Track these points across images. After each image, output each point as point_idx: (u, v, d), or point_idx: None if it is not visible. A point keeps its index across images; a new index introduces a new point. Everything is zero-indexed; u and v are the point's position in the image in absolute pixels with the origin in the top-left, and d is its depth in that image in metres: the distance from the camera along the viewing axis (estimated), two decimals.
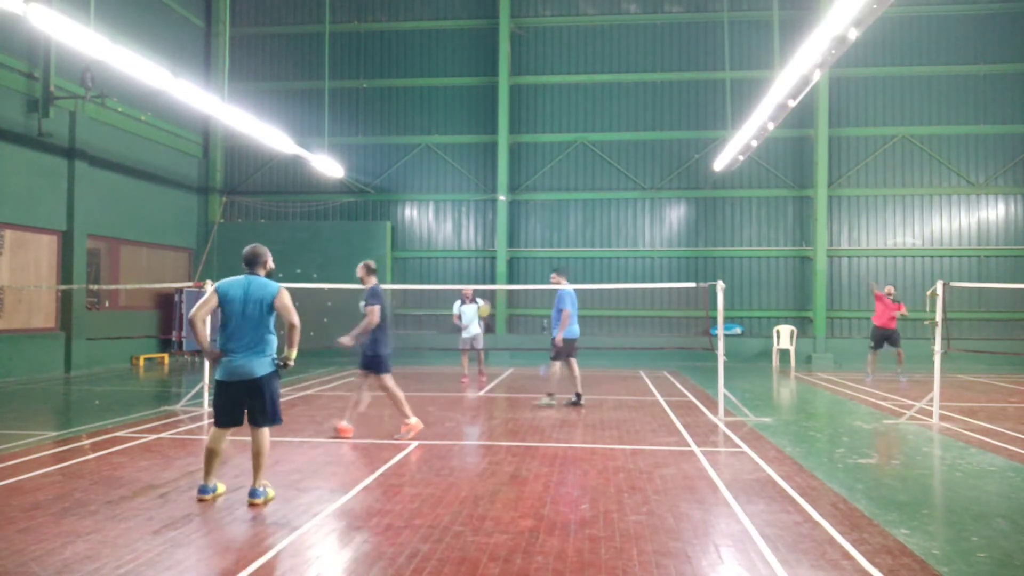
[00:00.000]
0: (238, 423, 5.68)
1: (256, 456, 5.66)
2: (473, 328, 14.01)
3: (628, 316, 20.00)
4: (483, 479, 6.37)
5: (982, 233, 19.26)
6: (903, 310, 15.11)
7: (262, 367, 5.61)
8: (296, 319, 5.65)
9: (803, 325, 19.44)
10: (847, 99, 19.62)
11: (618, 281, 19.74)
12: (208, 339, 5.67)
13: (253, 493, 5.58)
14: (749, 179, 19.85)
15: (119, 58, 10.03)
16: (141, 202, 18.22)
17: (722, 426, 9.15)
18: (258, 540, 4.76)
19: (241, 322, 5.58)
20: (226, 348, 5.60)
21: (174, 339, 18.51)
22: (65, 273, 15.63)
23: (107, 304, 17.59)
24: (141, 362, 17.58)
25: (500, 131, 20.11)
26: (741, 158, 16.43)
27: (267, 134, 15.17)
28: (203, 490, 5.65)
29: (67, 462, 6.98)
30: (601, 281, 19.89)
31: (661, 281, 19.78)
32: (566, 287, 10.82)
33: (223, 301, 5.61)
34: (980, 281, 18.73)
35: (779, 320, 19.41)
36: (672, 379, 15.04)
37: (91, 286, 16.12)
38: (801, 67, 10.32)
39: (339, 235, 20.39)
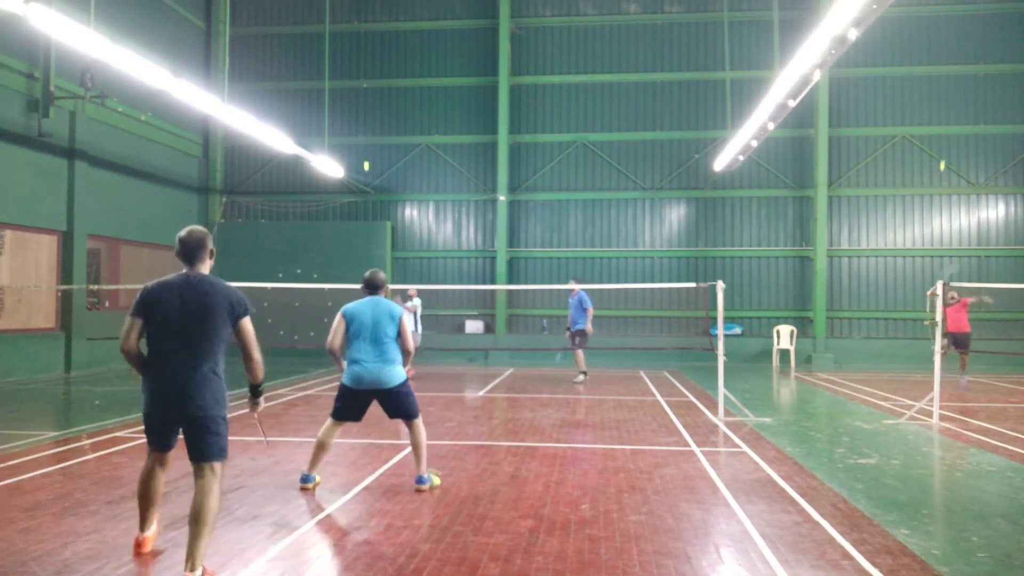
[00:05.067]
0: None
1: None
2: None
3: (628, 316, 20.00)
4: (483, 479, 6.37)
5: (982, 233, 19.25)
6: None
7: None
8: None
9: (803, 325, 19.43)
10: (847, 99, 19.61)
11: (618, 281, 19.73)
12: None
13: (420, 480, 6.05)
14: (749, 179, 19.85)
15: (119, 58, 10.03)
16: (141, 202, 18.21)
17: (722, 426, 9.15)
18: (258, 540, 4.76)
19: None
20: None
21: None
22: (65, 273, 15.62)
23: (107, 304, 17.59)
24: None
25: (500, 131, 20.11)
26: (741, 158, 16.42)
27: (267, 134, 15.17)
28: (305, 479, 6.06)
29: (67, 462, 6.98)
30: (601, 281, 19.88)
31: (661, 281, 19.77)
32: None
33: None
34: (980, 281, 18.72)
35: (779, 320, 19.40)
36: (672, 379, 15.04)
37: (91, 286, 16.12)
38: (801, 67, 10.32)
39: (339, 235, 20.39)
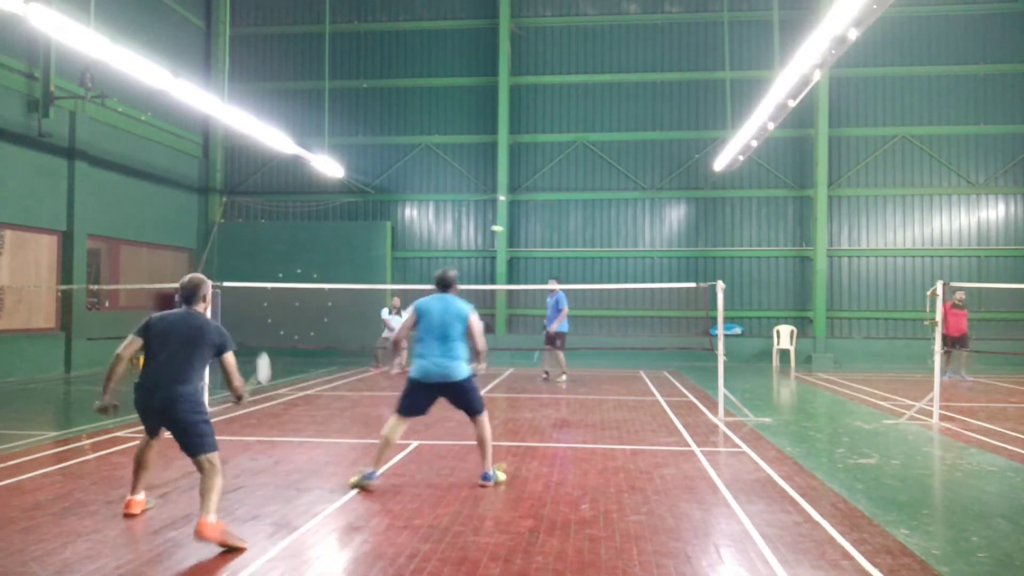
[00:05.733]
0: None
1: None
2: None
3: (628, 316, 20.00)
4: None
5: (982, 233, 19.25)
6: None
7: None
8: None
9: (803, 325, 19.43)
10: (847, 99, 19.61)
11: (618, 281, 19.73)
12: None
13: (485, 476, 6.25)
14: (749, 179, 19.85)
15: (119, 58, 10.03)
16: (141, 202, 18.21)
17: (722, 426, 9.15)
18: (258, 540, 4.76)
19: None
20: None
21: None
22: (65, 273, 15.62)
23: (107, 304, 17.59)
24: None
25: (500, 131, 20.11)
26: (741, 158, 16.43)
27: (267, 134, 15.17)
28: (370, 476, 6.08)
29: (67, 462, 6.98)
30: (601, 281, 19.88)
31: (661, 281, 19.77)
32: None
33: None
34: (980, 281, 18.72)
35: (779, 320, 19.40)
36: (672, 379, 15.04)
37: (91, 286, 16.12)
38: (801, 67, 10.32)
39: (339, 235, 20.39)
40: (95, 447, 7.68)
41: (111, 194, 16.98)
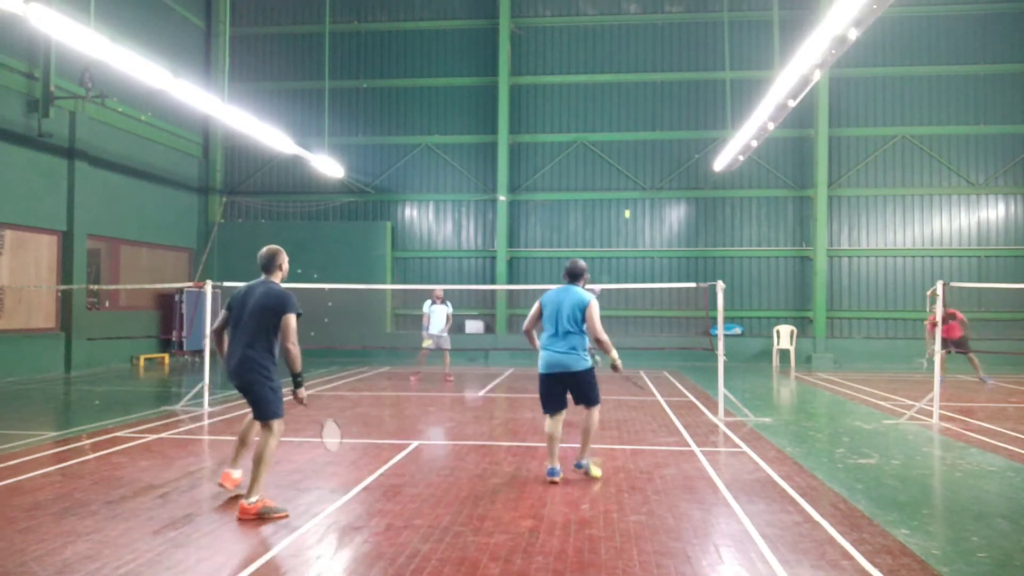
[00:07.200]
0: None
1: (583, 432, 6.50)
2: (439, 329, 14.63)
3: (628, 316, 20.00)
4: (483, 479, 6.37)
5: (982, 233, 19.25)
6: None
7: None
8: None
9: (803, 325, 19.43)
10: (847, 99, 19.62)
11: (618, 281, 19.73)
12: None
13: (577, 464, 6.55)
14: (749, 179, 19.85)
15: (119, 58, 10.03)
16: (141, 202, 18.21)
17: (722, 426, 9.15)
18: (258, 540, 4.76)
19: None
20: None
21: (174, 339, 18.50)
22: (65, 273, 15.62)
23: (107, 304, 17.59)
24: (141, 362, 17.58)
25: (500, 131, 20.11)
26: (741, 158, 16.43)
27: (267, 134, 15.17)
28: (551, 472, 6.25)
29: (67, 462, 6.98)
30: (601, 281, 19.86)
31: (661, 281, 19.77)
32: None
33: None
34: (980, 281, 18.72)
35: (779, 320, 19.40)
36: (672, 379, 15.03)
37: (91, 286, 16.12)
38: (801, 67, 10.32)
39: (339, 235, 20.40)
40: (95, 447, 7.68)
41: (111, 194, 16.98)
